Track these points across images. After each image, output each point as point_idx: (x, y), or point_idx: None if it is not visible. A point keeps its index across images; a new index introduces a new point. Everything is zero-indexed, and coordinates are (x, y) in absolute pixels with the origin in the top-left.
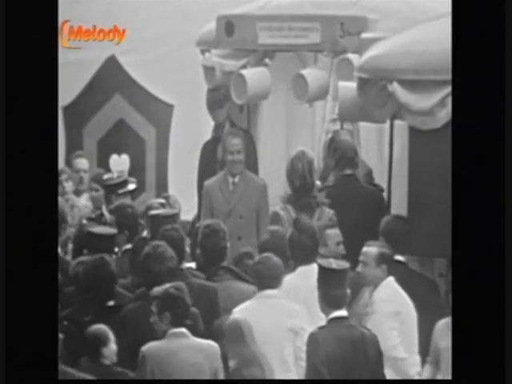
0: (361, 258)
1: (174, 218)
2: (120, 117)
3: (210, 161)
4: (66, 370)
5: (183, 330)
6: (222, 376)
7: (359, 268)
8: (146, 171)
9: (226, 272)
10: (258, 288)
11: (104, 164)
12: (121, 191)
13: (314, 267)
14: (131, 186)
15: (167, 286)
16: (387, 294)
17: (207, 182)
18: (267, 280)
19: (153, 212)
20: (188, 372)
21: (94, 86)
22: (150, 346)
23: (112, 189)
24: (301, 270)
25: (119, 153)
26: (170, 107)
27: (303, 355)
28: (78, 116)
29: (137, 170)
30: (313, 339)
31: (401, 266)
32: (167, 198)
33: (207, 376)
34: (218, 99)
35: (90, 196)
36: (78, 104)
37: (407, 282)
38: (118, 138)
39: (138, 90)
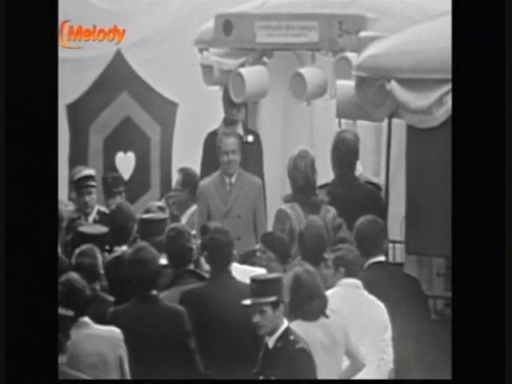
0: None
1: (163, 222)
2: (127, 114)
3: (213, 153)
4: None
5: (86, 319)
6: (126, 362)
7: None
8: (150, 169)
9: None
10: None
11: (110, 161)
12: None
13: None
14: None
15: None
16: None
17: (202, 183)
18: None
19: (143, 216)
20: (94, 361)
21: (101, 84)
22: None
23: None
24: None
25: (125, 151)
26: (175, 105)
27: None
28: (84, 114)
29: (142, 168)
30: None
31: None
32: (168, 198)
33: (112, 364)
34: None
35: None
36: (85, 102)
37: (390, 280)
38: (124, 136)
39: (144, 88)
